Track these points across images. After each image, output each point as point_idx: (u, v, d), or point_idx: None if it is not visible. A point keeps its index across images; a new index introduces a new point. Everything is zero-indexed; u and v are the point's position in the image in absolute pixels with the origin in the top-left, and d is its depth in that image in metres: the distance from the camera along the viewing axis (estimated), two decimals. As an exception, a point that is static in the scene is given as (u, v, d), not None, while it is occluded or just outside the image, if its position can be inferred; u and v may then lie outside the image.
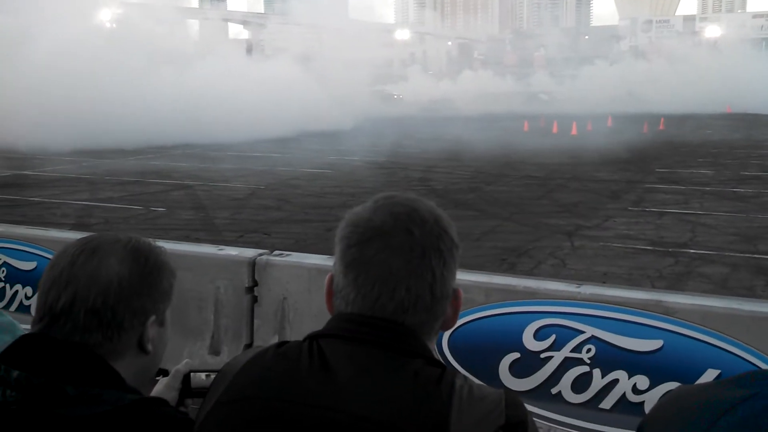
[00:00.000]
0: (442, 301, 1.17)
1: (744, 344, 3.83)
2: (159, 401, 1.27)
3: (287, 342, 1.20)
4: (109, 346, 1.23)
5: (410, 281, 1.13)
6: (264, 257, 5.09)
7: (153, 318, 1.29)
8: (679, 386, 1.07)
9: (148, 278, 1.28)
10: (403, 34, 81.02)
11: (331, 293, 1.21)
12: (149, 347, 1.29)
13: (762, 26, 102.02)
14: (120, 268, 1.25)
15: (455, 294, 1.22)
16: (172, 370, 1.67)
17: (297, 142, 24.63)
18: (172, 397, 1.51)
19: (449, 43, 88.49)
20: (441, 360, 1.21)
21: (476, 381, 1.16)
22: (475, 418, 1.07)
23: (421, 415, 1.06)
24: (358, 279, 1.15)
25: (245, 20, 78.33)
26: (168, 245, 5.64)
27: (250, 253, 5.23)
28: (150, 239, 1.38)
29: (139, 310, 1.26)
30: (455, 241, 1.20)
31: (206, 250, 5.64)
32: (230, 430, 1.12)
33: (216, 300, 5.23)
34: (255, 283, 5.08)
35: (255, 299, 5.09)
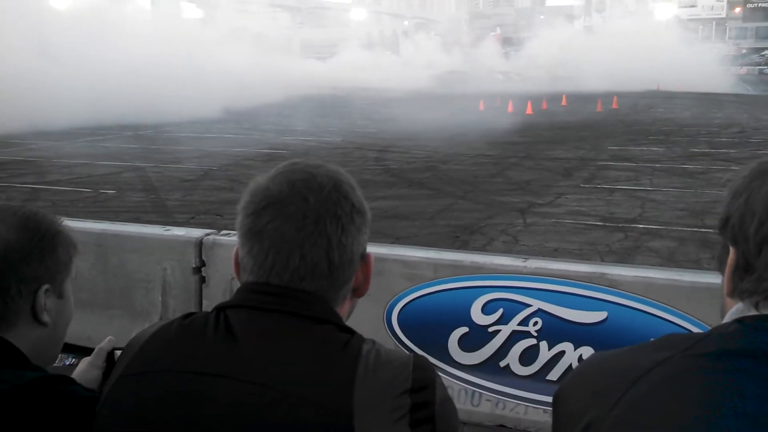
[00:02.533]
0: (344, 267, 1.16)
1: (685, 314, 3.91)
2: (62, 378, 1.23)
3: (194, 313, 1.19)
4: None
5: (304, 248, 1.12)
6: (211, 237, 5.03)
7: (46, 287, 1.25)
8: (595, 352, 1.08)
9: (40, 245, 1.24)
10: (359, 14, 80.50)
11: (237, 264, 1.21)
12: (44, 318, 1.25)
13: (712, 6, 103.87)
14: (7, 233, 1.22)
15: (365, 260, 1.20)
16: (96, 348, 1.63)
17: (253, 122, 24.36)
18: (95, 376, 1.48)
19: (405, 22, 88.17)
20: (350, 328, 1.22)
21: (386, 347, 1.15)
22: (380, 382, 1.07)
23: (325, 380, 1.06)
24: (254, 249, 1.14)
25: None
26: (114, 227, 5.52)
27: (197, 233, 5.16)
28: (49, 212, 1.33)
29: (28, 278, 1.23)
30: (357, 205, 1.18)
31: (153, 231, 5.55)
32: (135, 403, 1.10)
33: (163, 281, 5.16)
34: (202, 264, 5.02)
35: (203, 279, 5.04)
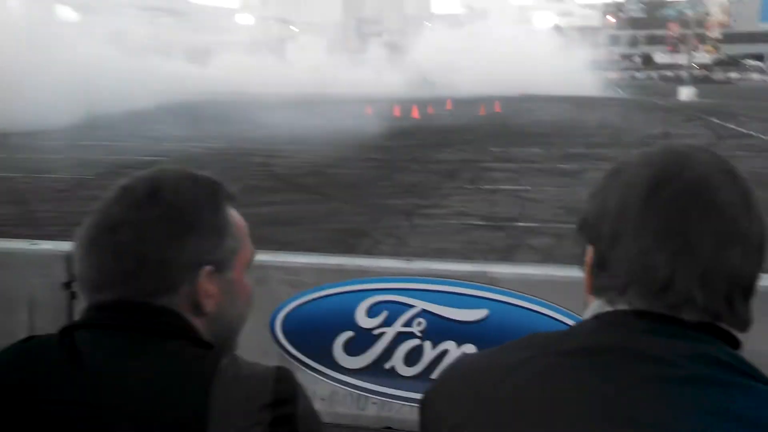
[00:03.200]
0: (182, 286, 1.09)
1: (562, 308, 4.03)
2: None
3: (36, 336, 1.10)
4: None
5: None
6: (82, 249, 4.77)
7: None
8: (460, 355, 1.07)
9: None
10: (246, 19, 79.48)
11: None
12: None
13: (588, 15, 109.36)
14: None
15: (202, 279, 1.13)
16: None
17: (134, 128, 23.50)
18: None
19: (292, 27, 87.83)
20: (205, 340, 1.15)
21: (247, 360, 1.09)
22: (239, 397, 1.01)
23: (177, 398, 1.00)
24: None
25: (74, 2, 73.58)
26: (-27, 244, 5.06)
27: (66, 246, 4.88)
28: None
29: None
30: (190, 222, 1.10)
31: (17, 246, 5.22)
32: None
33: (30, 299, 4.84)
34: (72, 278, 4.75)
35: (73, 295, 4.77)
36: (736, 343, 0.91)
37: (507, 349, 0.96)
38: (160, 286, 1.08)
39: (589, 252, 0.96)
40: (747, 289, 0.91)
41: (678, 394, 0.84)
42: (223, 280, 1.12)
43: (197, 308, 1.10)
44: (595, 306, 0.95)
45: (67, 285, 4.75)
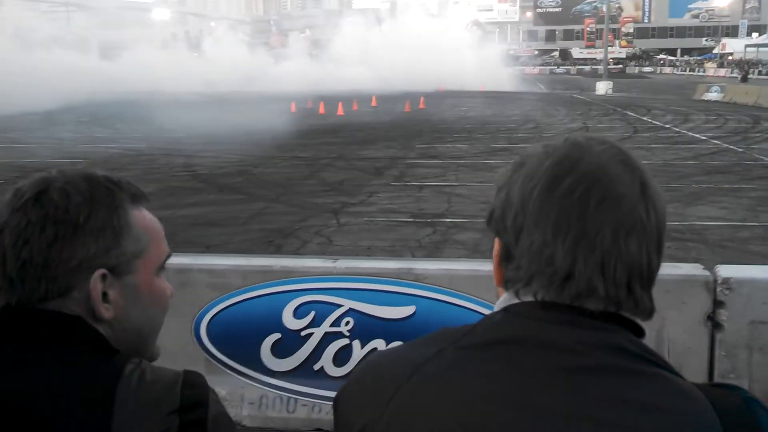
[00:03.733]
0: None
1: (487, 302, 4.08)
2: None
3: None
4: None
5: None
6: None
7: None
8: (375, 352, 1.07)
9: None
10: (162, 14, 77.60)
11: None
12: None
13: (507, 11, 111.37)
14: None
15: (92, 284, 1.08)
16: None
17: (47, 130, 22.63)
18: None
19: (212, 23, 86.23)
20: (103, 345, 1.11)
21: (155, 366, 1.06)
22: (144, 403, 0.99)
23: (78, 407, 0.96)
24: None
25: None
26: None
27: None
28: None
29: None
30: (70, 219, 1.05)
31: None
32: None
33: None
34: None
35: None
36: (640, 332, 0.93)
37: (417, 344, 0.96)
38: (48, 290, 1.03)
39: (497, 245, 0.98)
40: (647, 279, 0.92)
41: (584, 382, 0.85)
42: (124, 284, 1.07)
43: (92, 314, 1.06)
44: (505, 298, 0.96)
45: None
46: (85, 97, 32.73)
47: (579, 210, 0.89)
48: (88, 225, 1.04)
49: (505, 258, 0.95)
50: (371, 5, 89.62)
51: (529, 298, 0.92)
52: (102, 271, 1.05)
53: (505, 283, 0.96)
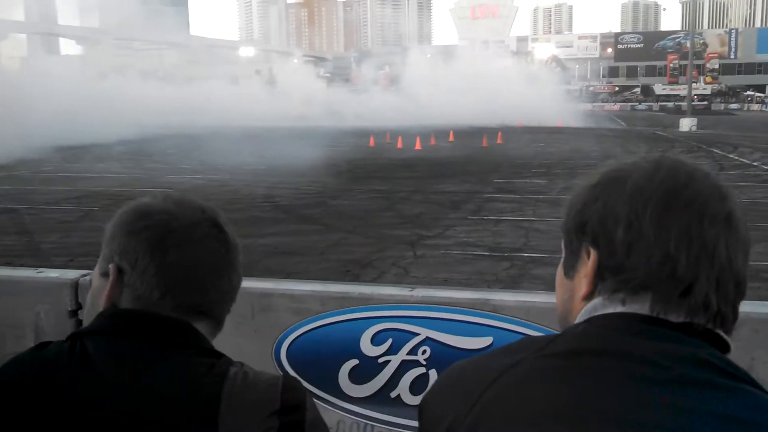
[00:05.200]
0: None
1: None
2: None
3: (49, 342, 1.13)
4: None
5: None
6: (88, 278, 4.78)
7: None
8: (459, 360, 1.09)
9: None
10: (247, 51, 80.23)
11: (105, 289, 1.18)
12: None
13: (587, 47, 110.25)
14: None
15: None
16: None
17: (136, 161, 23.63)
18: None
19: (295, 60, 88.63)
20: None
21: (256, 369, 1.13)
22: (248, 403, 1.06)
23: (188, 405, 1.04)
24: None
25: (78, 35, 74.53)
26: (-23, 271, 5.13)
27: (72, 274, 4.89)
28: None
29: None
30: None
31: (24, 274, 5.22)
32: None
33: (36, 327, 4.84)
34: (79, 306, 4.76)
35: (80, 323, 4.78)
36: (725, 347, 0.93)
37: (500, 352, 0.98)
38: (223, 311, 1.19)
39: (593, 256, 0.97)
40: (743, 295, 0.94)
41: (665, 395, 0.85)
42: None
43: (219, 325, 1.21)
44: (588, 309, 0.97)
45: (73, 313, 4.77)
46: (172, 130, 34.07)
47: (698, 224, 0.91)
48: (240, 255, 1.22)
49: (610, 269, 0.95)
50: (450, 42, 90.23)
51: (621, 310, 0.93)
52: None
53: (605, 292, 0.96)
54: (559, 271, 1.05)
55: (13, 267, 7.04)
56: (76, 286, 4.78)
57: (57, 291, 4.82)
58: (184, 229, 1.13)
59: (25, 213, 13.70)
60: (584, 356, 0.90)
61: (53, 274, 5.12)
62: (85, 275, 4.86)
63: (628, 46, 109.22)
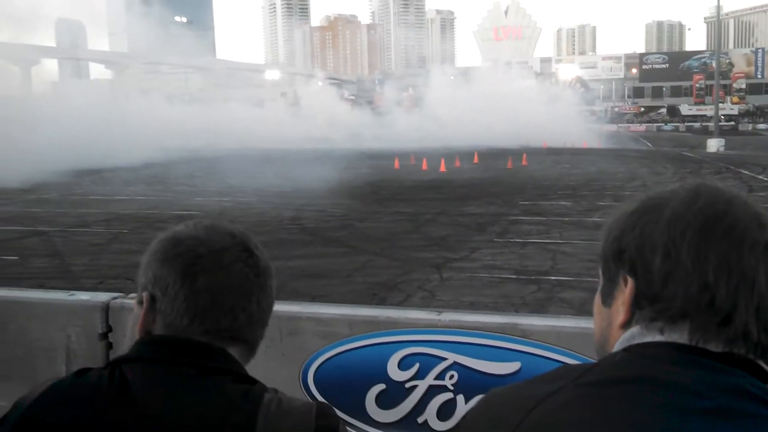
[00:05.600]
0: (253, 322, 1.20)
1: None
2: None
3: (89, 369, 1.15)
4: None
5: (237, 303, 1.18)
6: (119, 301, 4.82)
7: None
8: (495, 387, 1.09)
9: None
10: (272, 74, 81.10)
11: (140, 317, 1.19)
12: None
13: (611, 68, 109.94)
14: None
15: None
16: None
17: (164, 184, 23.91)
18: None
19: (319, 83, 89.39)
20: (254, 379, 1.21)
21: (288, 396, 1.15)
22: (282, 430, 1.07)
23: (224, 430, 1.05)
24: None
25: (107, 60, 75.92)
26: (13, 293, 5.25)
27: (103, 297, 4.95)
28: None
29: None
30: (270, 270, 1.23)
31: (55, 296, 5.30)
32: None
33: (67, 349, 4.91)
34: (109, 329, 4.81)
35: (110, 345, 4.81)
36: (766, 377, 0.92)
37: (537, 381, 0.97)
38: (258, 335, 1.21)
39: (630, 285, 0.97)
40: None
41: (703, 425, 0.85)
42: None
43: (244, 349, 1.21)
44: (626, 338, 0.96)
45: (104, 335, 4.82)
46: (198, 152, 34.52)
47: (737, 252, 0.90)
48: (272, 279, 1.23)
49: (648, 298, 0.95)
50: (474, 63, 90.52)
51: (659, 338, 0.93)
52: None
53: (642, 321, 0.96)
54: (597, 298, 1.04)
55: (45, 289, 7.15)
56: (107, 308, 4.84)
57: (88, 313, 4.88)
58: (213, 254, 1.15)
59: (56, 235, 13.90)
60: (622, 385, 0.90)
61: (84, 296, 5.19)
62: (115, 298, 4.92)
63: (653, 66, 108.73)
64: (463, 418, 1.02)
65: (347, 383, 4.44)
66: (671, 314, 0.93)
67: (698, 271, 0.91)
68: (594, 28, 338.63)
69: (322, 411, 1.13)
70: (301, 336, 4.43)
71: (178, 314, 1.13)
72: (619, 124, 79.23)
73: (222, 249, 1.16)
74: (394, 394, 4.36)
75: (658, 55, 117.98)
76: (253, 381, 1.14)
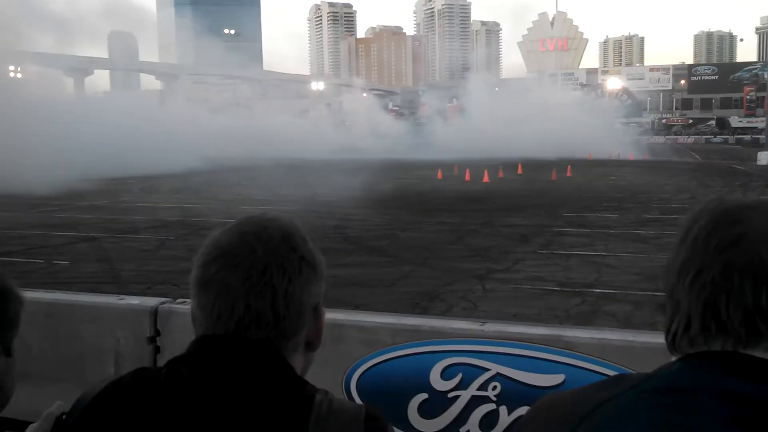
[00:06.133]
0: (291, 318, 1.15)
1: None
2: None
3: (146, 368, 1.19)
4: None
5: (249, 299, 1.13)
6: (166, 305, 4.93)
7: None
8: (550, 392, 1.09)
9: None
10: (318, 85, 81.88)
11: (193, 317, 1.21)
12: None
13: (659, 79, 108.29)
14: None
15: (317, 312, 1.21)
16: (44, 413, 1.59)
17: (210, 192, 24.29)
18: None
19: (364, 94, 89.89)
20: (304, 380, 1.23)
21: (338, 397, 1.16)
22: (333, 430, 1.09)
23: (277, 431, 1.07)
24: (202, 300, 1.15)
25: (158, 71, 77.64)
26: (65, 297, 5.41)
27: (152, 301, 5.05)
28: None
29: None
30: (307, 257, 1.18)
31: (106, 300, 5.43)
32: None
33: (116, 352, 5.02)
34: (157, 333, 4.90)
35: (158, 349, 4.90)
36: None
37: (592, 387, 0.99)
38: (299, 326, 1.16)
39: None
40: None
41: None
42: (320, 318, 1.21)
43: (310, 346, 1.20)
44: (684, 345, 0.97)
45: (152, 339, 4.92)
46: (245, 161, 35.04)
47: None
48: (320, 268, 1.20)
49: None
50: (519, 74, 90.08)
51: (715, 347, 0.93)
52: (323, 309, 1.20)
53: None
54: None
55: (95, 293, 7.33)
56: (155, 313, 4.94)
57: (137, 318, 4.99)
58: (220, 253, 1.15)
59: (106, 241, 14.23)
60: (679, 394, 0.91)
61: (134, 301, 5.31)
62: (163, 303, 5.03)
63: (702, 78, 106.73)
64: (518, 424, 1.05)
65: (390, 391, 4.45)
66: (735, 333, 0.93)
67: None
68: (642, 39, 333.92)
69: (371, 413, 1.14)
70: (345, 343, 4.46)
71: (225, 315, 1.14)
72: (667, 136, 77.91)
73: (265, 252, 1.15)
74: (436, 404, 4.35)
75: (707, 67, 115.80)
76: (304, 382, 1.15)
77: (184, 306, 4.90)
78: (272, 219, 1.21)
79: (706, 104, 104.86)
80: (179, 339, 4.74)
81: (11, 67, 38.40)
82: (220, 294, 1.13)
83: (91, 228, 15.89)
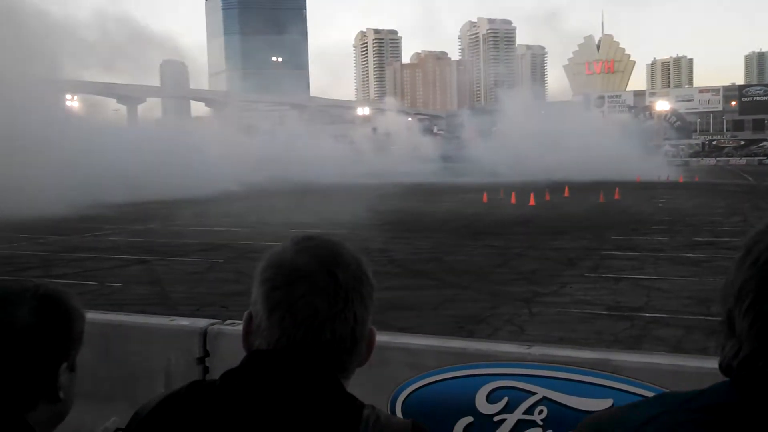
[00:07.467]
0: (362, 342, 1.22)
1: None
2: None
3: (201, 381, 1.23)
4: (22, 398, 1.22)
5: (335, 323, 1.17)
6: (216, 327, 5.01)
7: (65, 365, 1.27)
8: (598, 411, 1.10)
9: (59, 325, 1.27)
10: (363, 110, 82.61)
11: (249, 332, 1.23)
12: (61, 395, 1.27)
13: (708, 100, 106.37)
14: (29, 317, 1.23)
15: (370, 333, 1.25)
16: (100, 429, 1.65)
17: (258, 215, 24.60)
18: None
19: (409, 118, 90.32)
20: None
21: (385, 412, 1.19)
22: None
23: None
24: (284, 321, 1.18)
25: (207, 98, 79.37)
26: (118, 317, 5.53)
27: (201, 323, 5.15)
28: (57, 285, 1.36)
29: (49, 359, 1.25)
30: (373, 284, 1.24)
31: (157, 321, 5.54)
32: None
33: (167, 372, 5.11)
34: (206, 354, 4.99)
35: (206, 370, 4.98)
36: None
37: (640, 405, 1.00)
38: (357, 347, 1.21)
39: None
40: None
41: None
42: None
43: (351, 368, 1.23)
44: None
45: (201, 360, 5.01)
46: (290, 186, 35.51)
47: None
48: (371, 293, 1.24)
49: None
50: (565, 97, 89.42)
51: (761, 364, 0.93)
52: (374, 329, 1.25)
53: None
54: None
55: (147, 315, 7.48)
56: (204, 334, 5.03)
57: (187, 338, 5.08)
58: (301, 275, 1.18)
59: (157, 264, 14.52)
60: (729, 411, 0.91)
61: (184, 322, 5.41)
62: (213, 324, 5.12)
63: (754, 98, 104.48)
64: None
65: (435, 414, 4.44)
66: None
67: None
68: (690, 60, 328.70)
69: (418, 428, 1.17)
70: (390, 365, 4.47)
71: (272, 332, 1.18)
72: (718, 158, 76.48)
73: (309, 272, 1.18)
74: (482, 427, 4.32)
75: (759, 87, 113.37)
76: (353, 397, 1.18)
77: (233, 327, 4.97)
78: (338, 243, 1.26)
79: (758, 125, 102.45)
80: (228, 360, 4.80)
81: (68, 96, 39.80)
82: (307, 318, 1.17)
83: (144, 251, 16.24)
